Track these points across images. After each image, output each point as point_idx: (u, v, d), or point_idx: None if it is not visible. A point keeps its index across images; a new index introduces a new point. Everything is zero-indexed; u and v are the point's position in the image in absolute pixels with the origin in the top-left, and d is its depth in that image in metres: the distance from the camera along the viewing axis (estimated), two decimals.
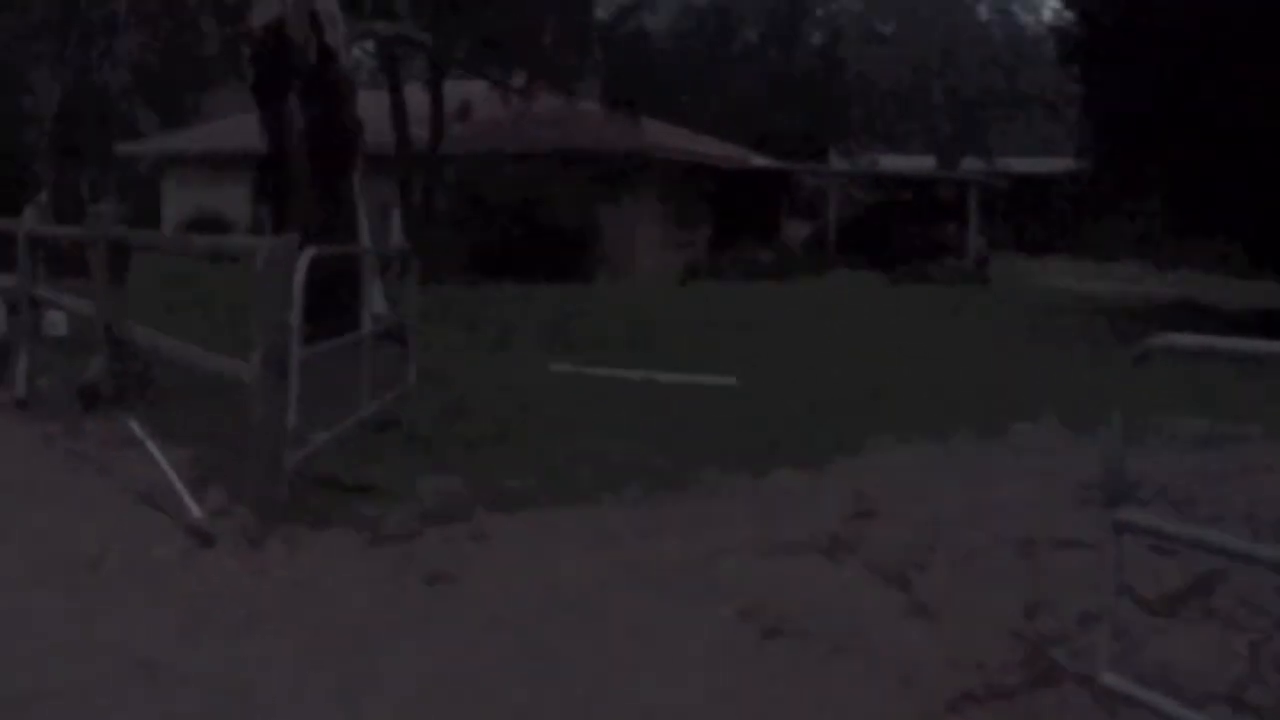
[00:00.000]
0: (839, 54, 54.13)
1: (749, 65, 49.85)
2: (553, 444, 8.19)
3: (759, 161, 34.49)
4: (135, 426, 7.84)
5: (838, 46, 54.75)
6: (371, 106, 27.33)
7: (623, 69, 26.38)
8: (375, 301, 11.34)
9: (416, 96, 25.33)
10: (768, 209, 33.64)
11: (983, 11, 72.76)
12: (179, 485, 6.58)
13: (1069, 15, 24.17)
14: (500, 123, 26.09)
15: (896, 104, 64.57)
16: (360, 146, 12.06)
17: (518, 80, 24.46)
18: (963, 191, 34.25)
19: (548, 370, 11.64)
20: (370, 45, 24.24)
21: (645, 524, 6.34)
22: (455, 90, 25.80)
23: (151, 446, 7.39)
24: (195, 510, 6.22)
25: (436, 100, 24.96)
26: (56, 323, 11.60)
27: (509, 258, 23.57)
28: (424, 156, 25.15)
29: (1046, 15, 63.58)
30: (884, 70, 63.05)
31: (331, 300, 11.57)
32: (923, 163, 52.88)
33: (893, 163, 50.24)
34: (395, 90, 25.00)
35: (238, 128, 23.80)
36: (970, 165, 51.35)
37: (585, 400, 9.94)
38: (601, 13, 28.27)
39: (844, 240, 32.93)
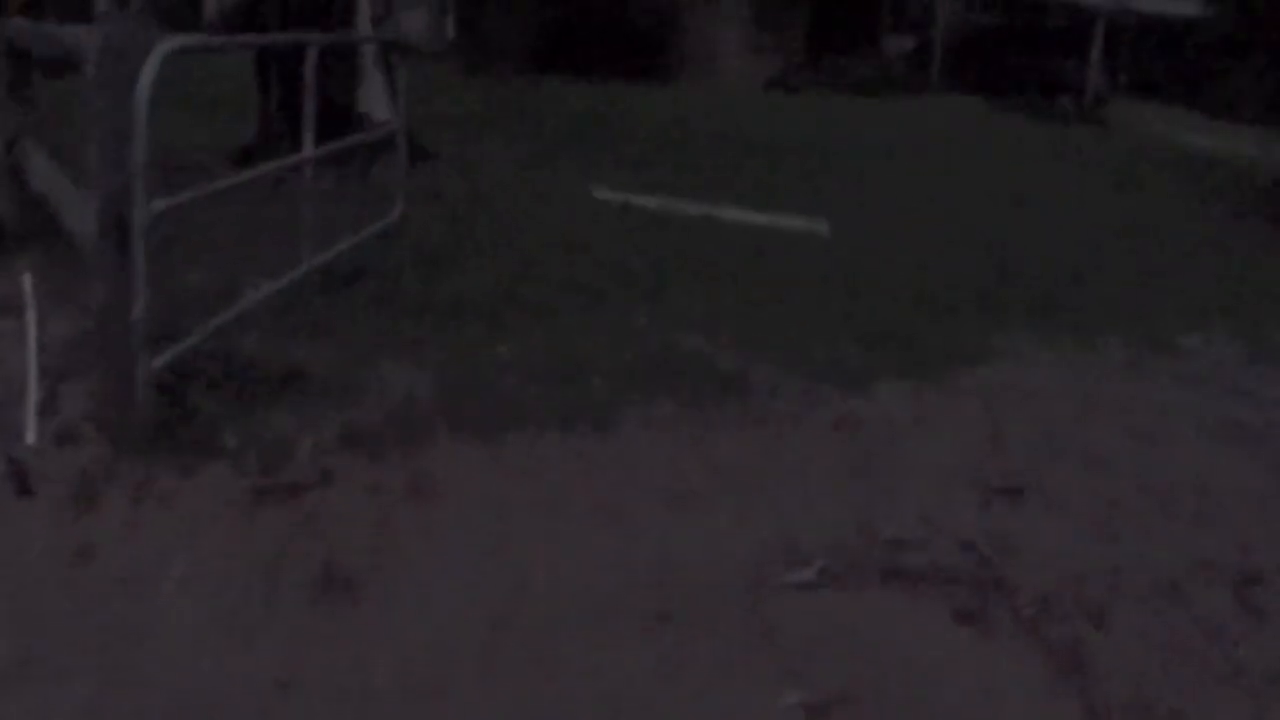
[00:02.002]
0: None
1: None
2: (565, 319, 6.10)
3: None
4: (28, 284, 5.83)
5: None
6: None
7: None
8: (374, 104, 9.18)
9: None
10: (866, 18, 30.63)
11: None
12: (33, 387, 4.60)
13: None
14: None
15: None
16: None
17: None
18: (1087, 23, 30.89)
19: (589, 197, 9.43)
20: None
21: (681, 479, 4.29)
22: None
23: (30, 318, 5.39)
24: (31, 433, 4.25)
25: None
26: None
27: (577, 51, 21.11)
28: None
29: None
30: None
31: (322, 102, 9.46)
32: None
33: None
34: None
35: None
36: None
37: (624, 246, 7.75)
38: None
39: (949, 61, 29.93)
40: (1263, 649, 3.38)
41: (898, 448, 4.74)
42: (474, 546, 3.68)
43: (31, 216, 6.66)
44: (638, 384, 5.16)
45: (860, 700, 3.01)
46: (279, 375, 4.89)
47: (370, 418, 4.57)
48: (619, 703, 2.95)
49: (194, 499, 3.85)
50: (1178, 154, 20.06)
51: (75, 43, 5.07)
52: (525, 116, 15.02)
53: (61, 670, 2.95)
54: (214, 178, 9.62)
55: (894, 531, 3.93)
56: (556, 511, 3.95)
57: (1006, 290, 7.53)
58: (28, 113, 7.25)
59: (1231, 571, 3.84)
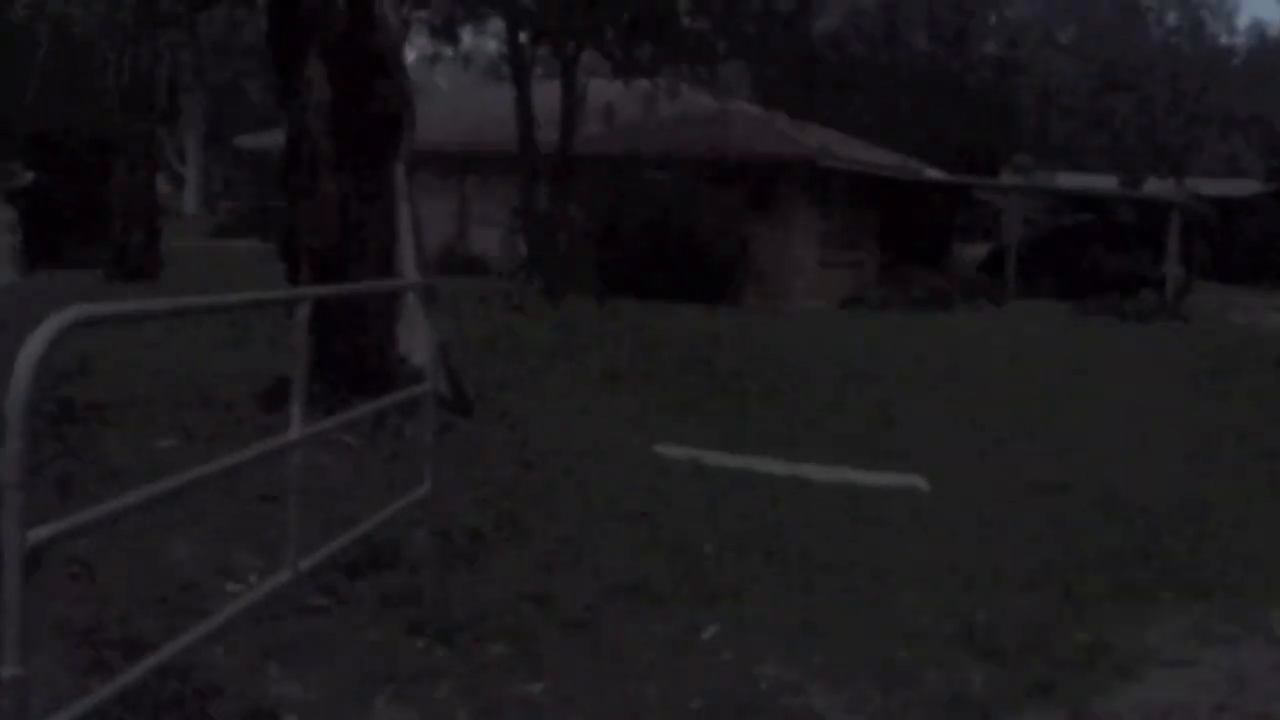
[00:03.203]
0: (1014, 60, 49.77)
1: (915, 71, 45.71)
2: (614, 634, 4.87)
3: (932, 174, 30.65)
4: None
5: (1012, 53, 50.42)
6: (501, 103, 24.90)
7: (778, 60, 22.79)
8: (415, 346, 8.19)
9: (551, 95, 22.22)
10: (939, 228, 29.97)
11: (1171, 20, 67.22)
12: None
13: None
14: (641, 124, 22.96)
15: (1076, 117, 59.66)
16: (407, 128, 8.81)
17: (643, 53, 20.84)
18: (1159, 215, 29.97)
19: (654, 455, 8.28)
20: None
21: None
22: (594, 92, 22.75)
23: None
24: None
25: (567, 87, 21.73)
26: None
27: (646, 275, 20.41)
28: (552, 158, 22.05)
29: (1242, 24, 58.65)
30: (1062, 80, 58.29)
31: (345, 347, 8.51)
32: (1103, 182, 48.02)
33: (1070, 180, 45.54)
34: (519, 79, 21.99)
35: None
36: (1155, 186, 46.44)
37: (692, 521, 6.54)
38: None
39: (1024, 266, 29.01)
40: None
41: None
42: None
43: None
44: None
45: None
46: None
47: None
48: None
49: None
50: (1263, 343, 18.79)
51: None
52: (590, 345, 14.11)
53: None
54: (240, 420, 8.82)
55: None
56: None
57: (1142, 557, 6.26)
58: None
59: None
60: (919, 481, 7.93)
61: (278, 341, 9.97)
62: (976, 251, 31.36)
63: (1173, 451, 9.70)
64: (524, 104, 22.09)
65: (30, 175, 20.89)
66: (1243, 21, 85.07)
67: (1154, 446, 9.90)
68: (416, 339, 7.45)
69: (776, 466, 7.99)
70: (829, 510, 7.07)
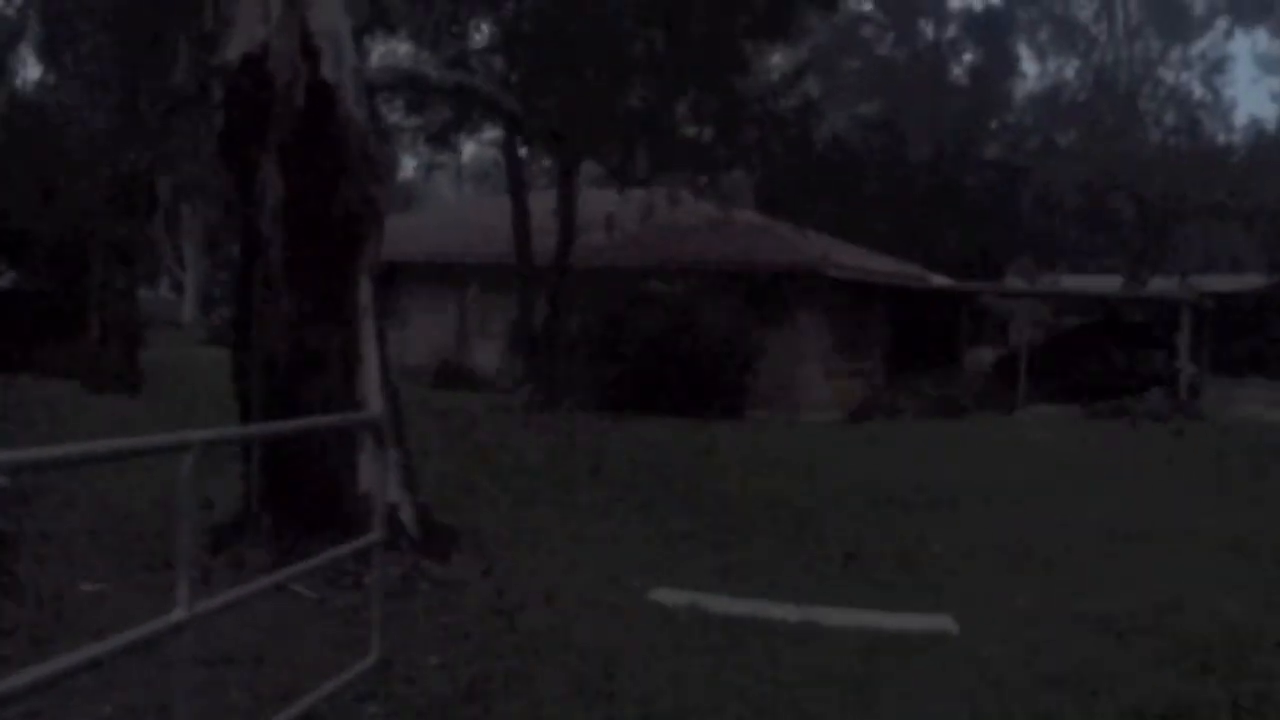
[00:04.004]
0: (1016, 165, 49.63)
1: (918, 177, 45.40)
2: None
3: (939, 281, 30.11)
4: None
5: (1013, 157, 50.31)
6: (500, 212, 24.37)
7: (779, 167, 22.28)
8: (378, 482, 7.40)
9: (551, 204, 21.69)
10: (946, 333, 29.32)
11: (1169, 120, 67.18)
12: None
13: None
14: (641, 233, 22.43)
15: (1079, 219, 59.28)
16: (372, 234, 8.05)
17: (641, 161, 20.31)
18: (1168, 312, 29.42)
19: (646, 599, 7.44)
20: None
21: None
22: (594, 201, 22.27)
23: None
24: None
25: (565, 198, 21.19)
26: None
27: (647, 388, 19.70)
28: (549, 269, 21.48)
29: (1240, 121, 58.74)
30: (1064, 184, 58.06)
31: (301, 480, 7.73)
32: (1107, 282, 47.48)
33: (1074, 282, 45.00)
34: (516, 189, 21.50)
35: None
36: (1159, 284, 45.91)
37: (683, 690, 5.67)
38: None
39: (1034, 369, 28.34)
40: None
41: None
42: None
43: None
44: None
45: None
46: None
47: None
48: None
49: None
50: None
51: None
52: (585, 466, 13.34)
53: None
54: (170, 568, 8.00)
55: None
56: None
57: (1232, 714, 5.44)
58: None
59: None
60: (947, 623, 7.12)
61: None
62: (984, 355, 30.71)
63: (1223, 569, 8.92)
64: (520, 214, 21.62)
65: (9, 274, 20.30)
66: (1239, 119, 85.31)
67: (1200, 563, 9.15)
68: (382, 471, 6.69)
69: (787, 611, 7.17)
70: (846, 665, 6.24)
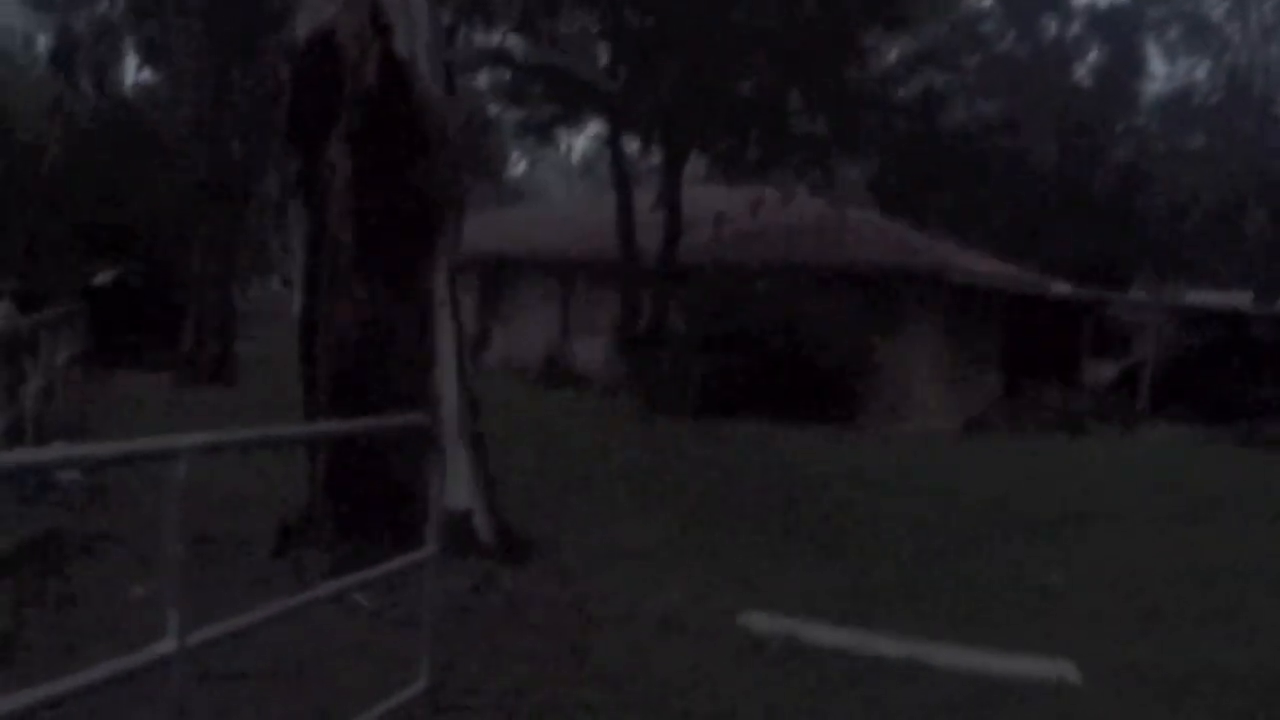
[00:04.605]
0: (1142, 170, 47.82)
1: (1041, 178, 43.91)
2: None
3: (1061, 289, 28.90)
4: None
5: (1139, 161, 48.49)
6: (606, 208, 23.87)
7: (902, 152, 21.37)
8: (451, 487, 6.83)
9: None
10: (1068, 345, 28.10)
11: None
12: None
13: None
14: (751, 231, 21.72)
15: (1206, 228, 57.03)
16: (450, 223, 7.47)
17: (752, 155, 19.49)
18: None
19: (734, 624, 6.78)
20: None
21: None
22: (703, 198, 21.63)
23: None
24: None
25: (670, 193, 20.57)
26: None
27: (752, 392, 18.96)
28: (654, 267, 20.90)
29: None
30: (1193, 191, 55.89)
31: (365, 484, 7.17)
32: (1235, 297, 45.39)
33: (1197, 296, 43.12)
34: (621, 184, 20.93)
35: None
36: None
37: None
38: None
39: (1156, 386, 27.00)
40: None
41: None
42: None
43: None
44: None
45: None
46: None
47: None
48: None
49: None
50: None
51: None
52: (682, 473, 12.72)
53: None
54: (236, 563, 7.57)
55: None
56: None
57: None
58: None
59: None
60: (1069, 670, 6.33)
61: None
62: (1105, 369, 29.41)
63: None
64: (625, 210, 21.08)
65: (110, 274, 20.29)
66: None
67: None
68: (454, 477, 6.13)
69: (890, 645, 6.45)
70: (958, 705, 5.53)
